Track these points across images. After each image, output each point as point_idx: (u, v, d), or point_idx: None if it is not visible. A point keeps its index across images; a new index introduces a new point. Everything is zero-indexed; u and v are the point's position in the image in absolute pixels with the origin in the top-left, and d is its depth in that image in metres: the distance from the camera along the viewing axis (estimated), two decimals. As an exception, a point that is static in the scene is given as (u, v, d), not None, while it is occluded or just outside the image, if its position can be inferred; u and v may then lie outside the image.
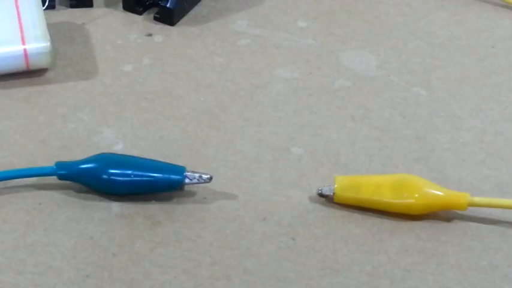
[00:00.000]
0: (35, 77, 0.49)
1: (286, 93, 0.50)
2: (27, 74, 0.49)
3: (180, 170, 0.42)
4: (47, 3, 0.54)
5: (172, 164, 0.43)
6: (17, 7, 0.49)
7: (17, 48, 0.48)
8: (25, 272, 0.39)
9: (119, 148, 0.45)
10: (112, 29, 0.54)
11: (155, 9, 0.55)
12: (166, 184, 0.42)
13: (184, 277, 0.40)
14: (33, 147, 0.45)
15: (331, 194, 0.43)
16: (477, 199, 0.42)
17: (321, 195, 0.43)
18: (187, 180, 0.42)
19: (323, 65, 0.52)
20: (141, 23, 0.54)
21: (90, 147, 0.45)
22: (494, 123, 0.49)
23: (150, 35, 0.53)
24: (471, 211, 0.43)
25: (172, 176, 0.42)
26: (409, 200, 0.42)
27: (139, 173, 0.42)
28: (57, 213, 0.42)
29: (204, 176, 0.42)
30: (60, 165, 0.42)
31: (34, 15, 0.49)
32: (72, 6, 0.55)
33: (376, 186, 0.43)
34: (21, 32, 0.48)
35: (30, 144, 0.45)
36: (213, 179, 0.42)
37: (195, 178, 0.42)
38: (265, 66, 0.52)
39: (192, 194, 0.43)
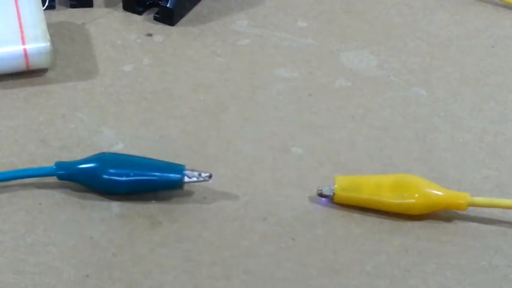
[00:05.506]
0: (35, 77, 0.49)
1: (286, 93, 0.50)
2: (27, 74, 0.49)
3: (179, 168, 0.42)
4: (47, 3, 0.54)
5: (171, 163, 0.43)
6: (17, 7, 0.49)
7: (17, 48, 0.48)
8: (25, 272, 0.39)
9: (119, 148, 0.45)
10: (112, 29, 0.54)
11: (155, 9, 0.55)
12: (166, 182, 0.42)
13: (184, 277, 0.40)
14: (33, 147, 0.45)
15: (331, 194, 0.43)
16: (477, 199, 0.42)
17: (321, 195, 0.43)
18: (186, 179, 0.42)
19: (323, 65, 0.52)
20: (141, 23, 0.54)
21: (90, 147, 0.45)
22: (494, 123, 0.49)
23: (150, 35, 0.53)
24: (471, 211, 0.43)
25: (172, 175, 0.42)
26: (409, 200, 0.42)
27: (139, 172, 0.42)
28: (57, 213, 0.42)
29: (204, 174, 0.42)
30: (60, 165, 0.42)
31: (34, 15, 0.49)
32: (72, 6, 0.55)
33: (376, 186, 0.43)
34: (21, 32, 0.48)
35: (30, 144, 0.45)
36: (213, 179, 0.42)
37: (194, 176, 0.42)
38: (265, 66, 0.52)
39: (191, 193, 0.43)
